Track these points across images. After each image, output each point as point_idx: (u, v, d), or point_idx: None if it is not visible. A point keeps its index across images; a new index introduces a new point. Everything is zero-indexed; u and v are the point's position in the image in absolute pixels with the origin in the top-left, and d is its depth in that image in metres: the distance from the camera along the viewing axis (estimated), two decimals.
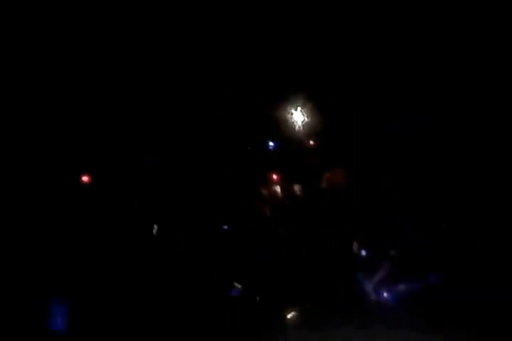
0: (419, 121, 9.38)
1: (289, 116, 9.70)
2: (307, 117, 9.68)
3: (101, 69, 9.15)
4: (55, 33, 8.97)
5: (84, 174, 9.26)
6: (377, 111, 9.50)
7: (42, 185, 9.01)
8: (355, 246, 9.28)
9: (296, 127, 9.71)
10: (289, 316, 8.79)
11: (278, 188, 9.76)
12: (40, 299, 8.41)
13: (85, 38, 9.08)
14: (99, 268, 8.82)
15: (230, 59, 9.50)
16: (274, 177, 9.76)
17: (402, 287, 9.06)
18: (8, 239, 8.62)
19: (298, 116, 9.70)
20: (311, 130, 9.71)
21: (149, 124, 9.47)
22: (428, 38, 9.09)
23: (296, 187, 9.73)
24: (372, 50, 9.37)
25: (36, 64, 8.98)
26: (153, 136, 9.47)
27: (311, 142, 9.77)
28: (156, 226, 8.98)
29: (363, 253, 9.33)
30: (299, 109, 9.67)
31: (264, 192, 9.71)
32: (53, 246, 8.74)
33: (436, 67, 9.23)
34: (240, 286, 8.93)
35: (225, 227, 9.46)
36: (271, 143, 9.82)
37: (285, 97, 9.64)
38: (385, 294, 9.05)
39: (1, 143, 8.96)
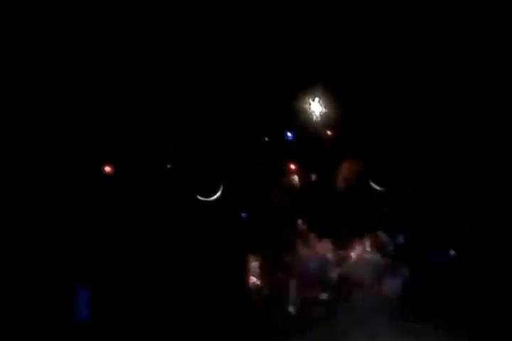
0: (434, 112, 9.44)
1: (307, 106, 9.79)
2: (325, 108, 9.77)
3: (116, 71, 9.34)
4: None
5: (106, 164, 9.50)
6: (394, 103, 9.54)
7: (65, 175, 9.25)
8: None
9: (314, 118, 9.81)
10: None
11: (296, 177, 9.95)
12: (64, 288, 8.72)
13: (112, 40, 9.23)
14: (121, 257, 9.10)
15: (248, 51, 9.55)
16: (292, 166, 9.94)
17: None
18: (31, 229, 8.89)
19: (316, 107, 9.79)
20: (328, 120, 9.82)
21: (169, 116, 9.63)
22: (442, 32, 9.07)
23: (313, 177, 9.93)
24: (389, 43, 9.34)
25: (63, 62, 9.16)
26: (172, 127, 9.64)
27: (328, 133, 9.89)
28: None
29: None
30: (316, 99, 9.75)
31: (283, 181, 9.92)
32: (75, 236, 9.04)
33: (453, 59, 9.21)
34: None
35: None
36: (289, 134, 9.96)
37: (303, 88, 9.71)
38: None
39: (26, 137, 9.18)
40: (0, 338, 8.23)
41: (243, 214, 9.77)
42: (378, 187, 9.60)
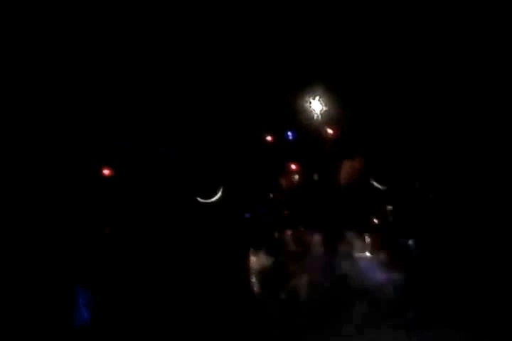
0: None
1: (307, 105, 9.74)
2: (325, 106, 9.72)
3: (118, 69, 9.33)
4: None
5: (105, 167, 9.48)
6: (394, 102, 9.49)
7: (65, 177, 9.26)
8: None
9: (315, 116, 9.76)
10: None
11: (296, 177, 9.91)
12: (65, 291, 8.76)
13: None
14: (122, 260, 9.12)
15: (248, 50, 9.52)
16: (293, 166, 9.90)
17: None
18: (31, 231, 8.92)
19: (316, 106, 9.74)
20: (329, 119, 9.77)
21: (167, 115, 9.60)
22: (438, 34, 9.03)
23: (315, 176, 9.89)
24: (389, 43, 9.29)
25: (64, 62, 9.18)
26: (171, 128, 9.62)
27: (329, 131, 9.84)
28: None
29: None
30: (317, 98, 9.70)
31: (282, 181, 9.89)
32: (75, 237, 9.06)
33: (453, 60, 9.16)
34: None
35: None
36: (289, 133, 9.91)
37: (303, 87, 9.67)
38: None
39: (25, 138, 9.20)
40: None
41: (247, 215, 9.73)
42: (380, 186, 9.57)
